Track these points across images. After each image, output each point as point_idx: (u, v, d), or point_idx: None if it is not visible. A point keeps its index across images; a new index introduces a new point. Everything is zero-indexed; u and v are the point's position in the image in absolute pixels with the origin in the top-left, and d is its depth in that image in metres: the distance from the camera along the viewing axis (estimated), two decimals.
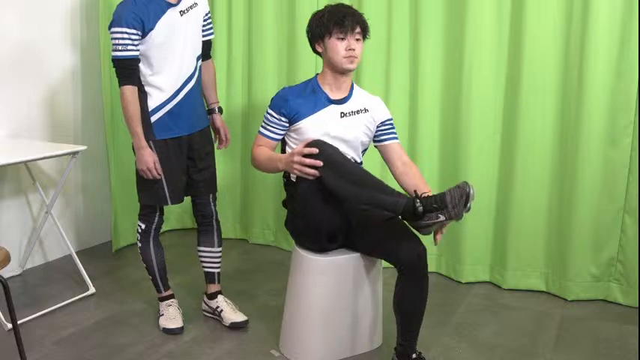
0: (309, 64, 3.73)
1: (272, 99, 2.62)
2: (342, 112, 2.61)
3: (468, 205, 2.19)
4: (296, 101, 2.57)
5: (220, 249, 3.03)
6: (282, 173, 2.64)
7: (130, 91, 2.65)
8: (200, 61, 2.86)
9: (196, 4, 2.78)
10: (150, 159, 2.67)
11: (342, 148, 2.57)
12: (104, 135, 3.92)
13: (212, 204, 2.98)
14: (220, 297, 3.02)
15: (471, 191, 2.18)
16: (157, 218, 2.87)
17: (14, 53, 3.42)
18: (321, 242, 2.55)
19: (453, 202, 2.19)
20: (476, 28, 3.27)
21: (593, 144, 3.12)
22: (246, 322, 2.94)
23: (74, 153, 3.22)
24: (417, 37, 3.46)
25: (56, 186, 3.44)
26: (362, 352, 2.70)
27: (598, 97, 3.07)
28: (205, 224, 2.99)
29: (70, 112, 3.79)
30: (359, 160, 2.68)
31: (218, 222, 3.02)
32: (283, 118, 2.58)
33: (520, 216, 3.34)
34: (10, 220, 3.49)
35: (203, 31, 2.86)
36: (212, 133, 3.02)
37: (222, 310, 2.98)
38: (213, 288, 3.03)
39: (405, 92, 3.54)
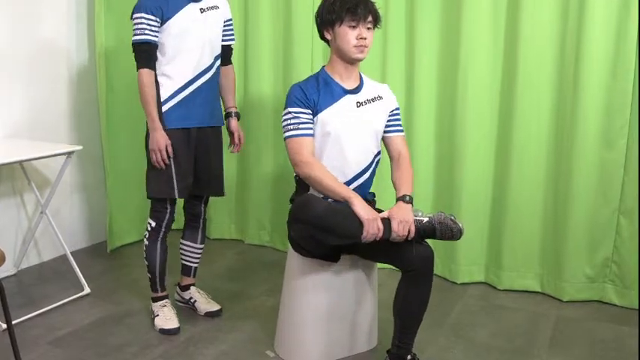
0: (304, 64, 3.73)
1: (290, 98, 2.50)
2: (357, 102, 2.55)
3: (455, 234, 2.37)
4: (315, 95, 2.49)
5: (202, 246, 3.12)
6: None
7: (146, 73, 2.71)
8: (219, 61, 2.91)
9: (217, 7, 2.85)
10: (162, 140, 2.72)
11: (362, 139, 2.54)
12: (99, 135, 3.91)
13: (203, 204, 3.05)
14: (193, 288, 3.13)
15: (457, 230, 2.36)
16: (167, 215, 2.87)
17: (9, 53, 3.41)
18: (323, 251, 2.48)
19: (441, 235, 2.37)
20: (472, 27, 3.27)
21: (588, 144, 3.12)
22: (220, 310, 3.06)
23: (69, 153, 3.21)
24: (412, 36, 3.46)
25: (51, 186, 3.43)
26: (357, 352, 2.70)
27: (594, 97, 3.08)
28: (193, 221, 3.07)
29: (66, 112, 3.78)
30: (376, 151, 2.61)
31: (205, 220, 3.10)
32: (310, 111, 2.48)
33: (515, 216, 3.35)
34: (5, 220, 3.48)
35: (223, 35, 2.92)
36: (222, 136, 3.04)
37: (195, 301, 3.09)
38: (187, 281, 3.14)
39: (401, 91, 3.54)
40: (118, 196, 3.91)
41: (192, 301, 3.09)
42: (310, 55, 3.72)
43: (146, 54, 2.71)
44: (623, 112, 3.09)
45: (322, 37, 2.57)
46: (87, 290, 3.28)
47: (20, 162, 3.23)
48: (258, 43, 3.88)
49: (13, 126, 3.47)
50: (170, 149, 2.74)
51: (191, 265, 3.11)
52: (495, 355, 2.73)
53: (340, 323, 2.62)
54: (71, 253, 3.39)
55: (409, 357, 2.44)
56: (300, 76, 3.45)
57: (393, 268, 2.62)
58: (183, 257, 3.11)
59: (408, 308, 2.40)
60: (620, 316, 3.13)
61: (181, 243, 3.10)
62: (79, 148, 3.26)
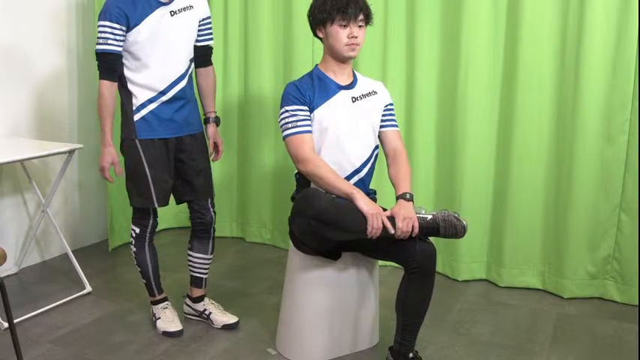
0: (305, 60, 3.72)
1: (285, 97, 2.50)
2: (353, 97, 2.56)
3: (458, 232, 2.37)
4: (310, 91, 2.51)
5: (212, 255, 2.98)
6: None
7: (106, 86, 2.61)
8: (192, 64, 2.79)
9: (191, 6, 2.71)
10: (109, 157, 2.65)
11: (359, 133, 2.54)
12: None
13: (212, 209, 2.90)
14: (206, 299, 3.00)
15: (461, 227, 2.35)
16: (151, 221, 2.81)
17: (9, 52, 3.41)
18: (325, 247, 2.49)
19: (444, 232, 2.37)
20: (472, 25, 3.27)
21: (589, 141, 3.12)
22: (237, 322, 2.93)
23: (70, 152, 3.21)
24: (412, 35, 3.45)
25: (52, 185, 3.43)
26: (359, 349, 2.70)
27: (594, 95, 3.08)
28: (203, 231, 2.91)
29: (66, 111, 3.78)
30: (374, 144, 2.61)
31: (214, 229, 2.95)
32: (306, 107, 2.49)
33: (517, 214, 3.34)
34: (6, 218, 3.49)
35: (199, 35, 2.79)
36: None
37: (210, 313, 2.95)
38: (199, 292, 2.99)
39: (401, 90, 3.54)
40: (118, 195, 3.90)
41: (206, 313, 2.95)
42: (311, 52, 3.71)
43: (108, 64, 2.59)
44: (623, 110, 3.08)
45: (315, 35, 2.59)
46: (88, 289, 3.29)
47: (21, 161, 3.23)
48: (258, 41, 3.88)
49: (14, 125, 3.47)
50: (118, 168, 2.69)
51: (202, 276, 2.97)
52: (497, 352, 2.73)
53: (342, 321, 2.62)
54: (72, 251, 3.40)
55: (411, 354, 2.44)
56: (301, 74, 3.44)
57: (395, 265, 2.63)
58: (193, 269, 2.96)
59: (411, 305, 2.40)
60: (621, 313, 3.13)
61: (190, 255, 2.94)
62: (80, 146, 3.26)
